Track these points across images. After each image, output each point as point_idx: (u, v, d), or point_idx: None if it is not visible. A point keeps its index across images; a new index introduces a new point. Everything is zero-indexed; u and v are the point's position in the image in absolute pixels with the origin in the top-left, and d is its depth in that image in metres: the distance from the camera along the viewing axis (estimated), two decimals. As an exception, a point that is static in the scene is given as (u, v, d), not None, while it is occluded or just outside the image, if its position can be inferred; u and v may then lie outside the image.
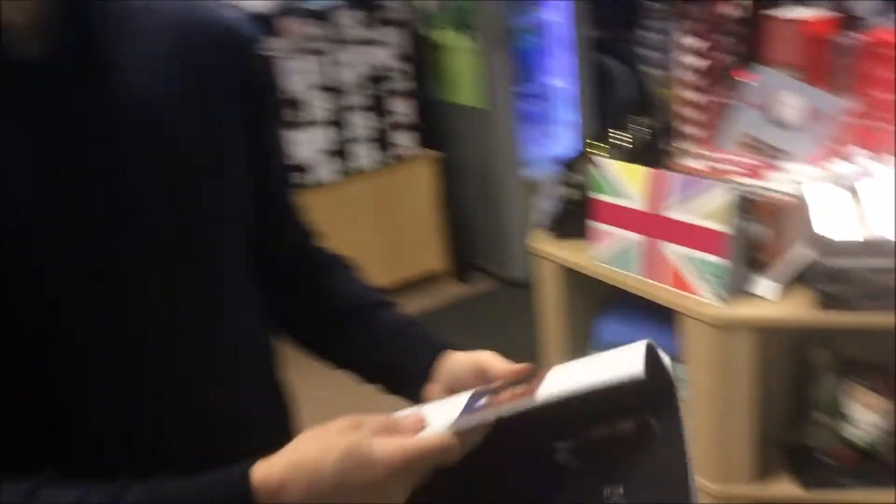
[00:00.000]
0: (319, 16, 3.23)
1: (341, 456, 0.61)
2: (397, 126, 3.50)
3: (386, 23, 3.37)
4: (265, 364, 0.88)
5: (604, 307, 1.91)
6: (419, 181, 3.60)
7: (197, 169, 0.75)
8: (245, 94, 0.81)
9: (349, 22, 3.29)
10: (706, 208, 1.52)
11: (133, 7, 0.76)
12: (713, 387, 1.58)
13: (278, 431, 0.81)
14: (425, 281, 3.71)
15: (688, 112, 2.00)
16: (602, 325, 1.91)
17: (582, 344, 1.95)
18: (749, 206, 1.54)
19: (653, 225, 1.62)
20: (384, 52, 3.39)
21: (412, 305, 3.58)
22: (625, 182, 1.67)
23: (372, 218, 3.51)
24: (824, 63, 1.86)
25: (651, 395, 0.66)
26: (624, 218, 1.68)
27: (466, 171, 3.69)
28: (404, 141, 3.53)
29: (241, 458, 0.64)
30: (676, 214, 1.57)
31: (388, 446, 0.62)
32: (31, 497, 0.62)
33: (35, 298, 0.67)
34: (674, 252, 1.59)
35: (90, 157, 0.70)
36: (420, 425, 0.66)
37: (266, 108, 0.86)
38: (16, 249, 0.66)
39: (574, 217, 1.84)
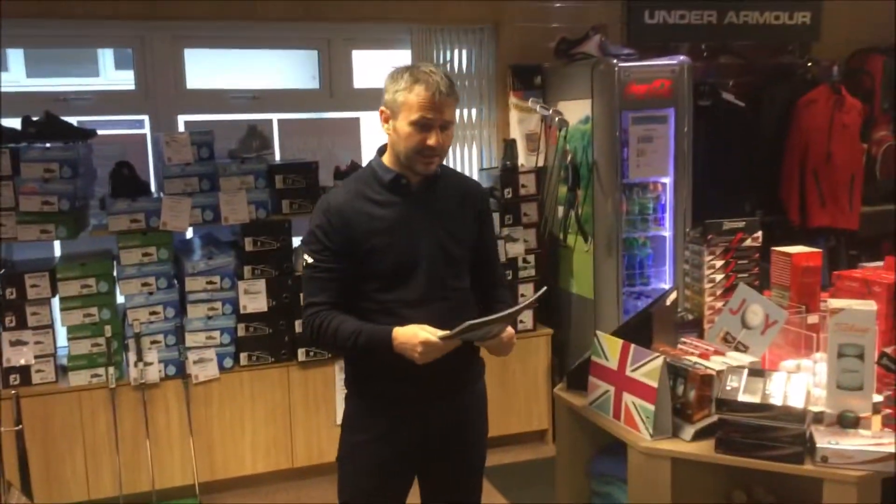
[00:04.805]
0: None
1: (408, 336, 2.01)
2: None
3: (520, 223, 4.31)
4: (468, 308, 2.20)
5: (602, 446, 2.54)
6: (534, 352, 4.36)
7: (457, 239, 2.17)
8: (479, 216, 2.24)
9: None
10: (647, 370, 2.18)
11: (447, 176, 2.22)
12: (645, 504, 2.16)
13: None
14: (530, 437, 4.37)
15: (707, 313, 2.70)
16: (597, 460, 2.53)
17: (582, 474, 2.56)
18: (683, 374, 2.18)
19: (618, 379, 2.29)
20: (517, 246, 4.30)
21: (512, 456, 4.25)
22: (608, 349, 2.36)
23: (493, 377, 4.27)
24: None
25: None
26: (605, 374, 2.36)
27: (574, 347, 4.38)
28: (526, 318, 4.34)
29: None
30: (631, 373, 2.24)
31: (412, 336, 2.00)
32: (340, 323, 2.08)
33: (386, 265, 2.09)
34: (628, 399, 2.24)
35: (425, 227, 2.13)
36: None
37: (486, 223, 2.29)
38: (387, 252, 2.09)
39: (583, 374, 2.53)
